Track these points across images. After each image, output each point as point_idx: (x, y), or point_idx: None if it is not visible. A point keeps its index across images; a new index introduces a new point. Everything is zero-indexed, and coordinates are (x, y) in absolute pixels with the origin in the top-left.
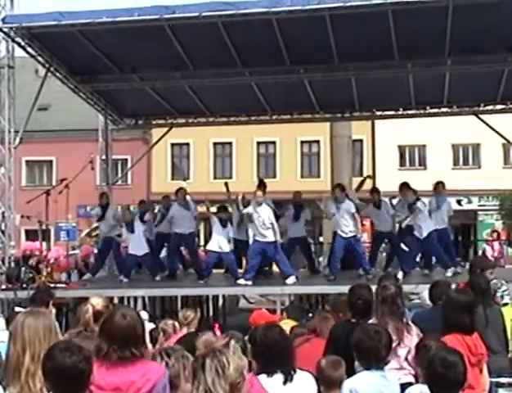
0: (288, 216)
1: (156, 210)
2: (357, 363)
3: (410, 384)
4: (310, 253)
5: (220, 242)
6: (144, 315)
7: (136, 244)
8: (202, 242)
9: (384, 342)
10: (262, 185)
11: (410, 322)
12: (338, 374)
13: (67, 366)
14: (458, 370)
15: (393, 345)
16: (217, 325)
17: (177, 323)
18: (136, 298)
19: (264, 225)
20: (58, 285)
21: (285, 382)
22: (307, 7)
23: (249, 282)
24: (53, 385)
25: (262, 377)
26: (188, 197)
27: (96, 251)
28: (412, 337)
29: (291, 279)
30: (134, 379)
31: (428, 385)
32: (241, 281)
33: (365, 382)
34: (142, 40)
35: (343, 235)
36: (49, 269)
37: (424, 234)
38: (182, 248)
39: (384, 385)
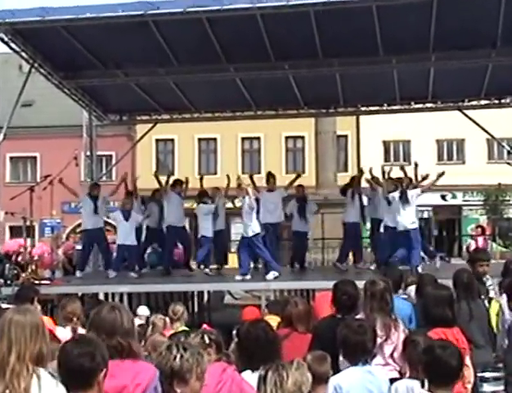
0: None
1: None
2: (341, 359)
3: (395, 380)
4: (304, 249)
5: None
6: (145, 311)
7: (127, 234)
8: None
9: (369, 336)
10: (270, 178)
11: (398, 319)
12: (323, 369)
13: (70, 358)
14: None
15: (380, 341)
16: (205, 325)
17: (168, 319)
18: (121, 294)
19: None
20: (42, 281)
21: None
22: (291, 3)
23: (247, 277)
24: (62, 376)
25: (247, 373)
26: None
27: (79, 247)
28: (399, 334)
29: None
30: (125, 383)
31: (425, 374)
32: (238, 277)
33: (349, 379)
34: (126, 36)
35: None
36: (33, 266)
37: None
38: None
39: (369, 381)
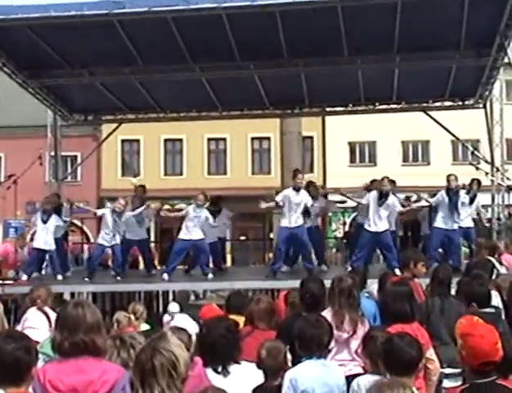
0: None
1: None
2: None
3: (359, 375)
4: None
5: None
6: (175, 308)
7: (47, 237)
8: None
9: (326, 330)
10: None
11: (364, 314)
12: (278, 362)
13: (6, 352)
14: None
15: (347, 335)
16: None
17: (132, 317)
18: (87, 294)
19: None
20: (6, 281)
21: (220, 373)
22: (256, 3)
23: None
24: None
25: (210, 372)
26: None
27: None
28: (365, 329)
29: None
30: (92, 379)
31: (385, 366)
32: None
33: (305, 372)
34: (92, 35)
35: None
36: None
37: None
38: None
39: (325, 373)
